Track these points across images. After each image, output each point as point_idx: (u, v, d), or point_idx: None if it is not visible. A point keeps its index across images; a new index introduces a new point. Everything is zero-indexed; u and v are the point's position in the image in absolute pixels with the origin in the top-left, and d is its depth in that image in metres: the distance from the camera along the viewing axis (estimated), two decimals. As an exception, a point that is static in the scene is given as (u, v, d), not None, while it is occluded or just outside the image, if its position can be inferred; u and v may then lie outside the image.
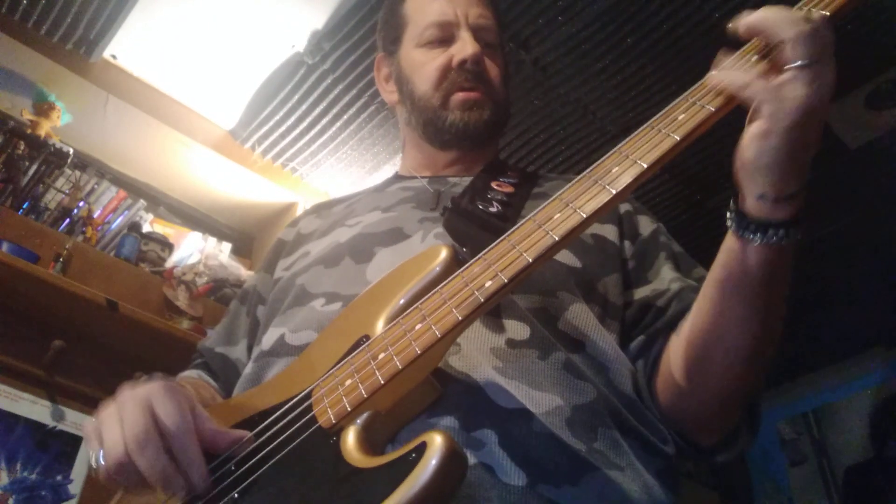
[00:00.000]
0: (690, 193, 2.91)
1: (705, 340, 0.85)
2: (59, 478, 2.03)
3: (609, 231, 1.05)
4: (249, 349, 1.13)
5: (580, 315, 0.92)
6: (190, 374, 1.15)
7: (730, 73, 0.75)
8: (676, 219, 2.99)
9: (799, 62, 0.70)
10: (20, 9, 2.41)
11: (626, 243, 1.05)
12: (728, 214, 0.79)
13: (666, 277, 1.00)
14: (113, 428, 0.77)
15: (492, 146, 1.24)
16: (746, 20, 0.75)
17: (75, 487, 2.04)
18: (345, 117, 2.69)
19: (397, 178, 1.27)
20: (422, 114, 1.17)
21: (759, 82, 0.72)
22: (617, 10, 2.28)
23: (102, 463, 0.77)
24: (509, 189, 1.10)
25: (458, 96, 1.14)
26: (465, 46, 1.15)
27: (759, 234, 0.75)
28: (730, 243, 0.79)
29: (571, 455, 0.78)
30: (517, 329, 0.87)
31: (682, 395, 0.89)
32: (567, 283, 0.94)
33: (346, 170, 2.94)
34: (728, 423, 0.91)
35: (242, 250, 3.11)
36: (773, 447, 3.46)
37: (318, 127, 2.74)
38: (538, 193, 1.11)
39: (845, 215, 2.98)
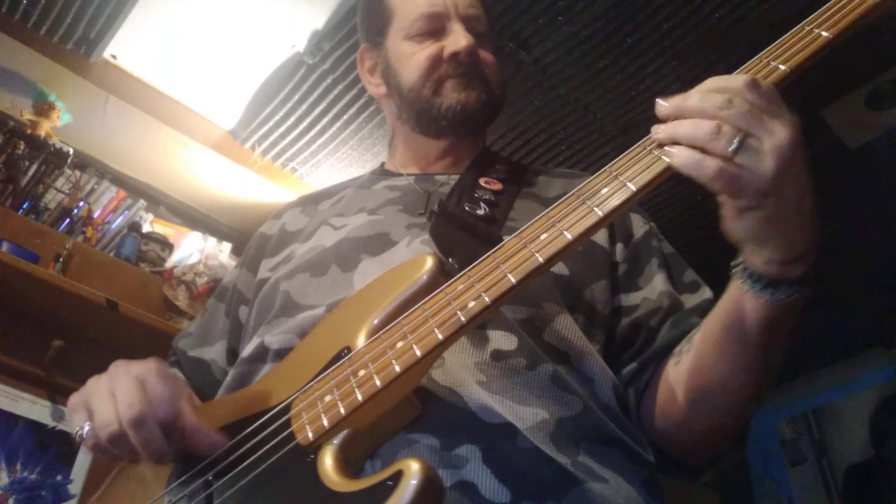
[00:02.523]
0: (690, 193, 2.91)
1: (708, 381, 0.85)
2: (59, 478, 2.03)
3: (598, 234, 1.02)
4: (230, 351, 1.11)
5: (566, 326, 0.91)
6: None
7: (687, 156, 0.69)
8: (676, 219, 2.99)
9: (730, 148, 0.66)
10: (20, 9, 2.41)
11: (619, 245, 1.03)
12: (735, 267, 0.77)
13: (657, 288, 0.99)
14: (106, 401, 0.77)
15: (480, 137, 1.22)
16: (663, 110, 0.72)
17: (75, 487, 2.04)
18: (345, 117, 2.69)
19: (384, 172, 1.23)
20: (413, 105, 1.13)
21: (706, 167, 0.67)
22: (617, 10, 2.28)
23: (90, 434, 0.78)
24: (497, 186, 1.07)
25: (451, 82, 1.11)
26: (457, 38, 1.11)
27: (768, 291, 0.74)
28: (736, 294, 0.78)
29: (556, 469, 0.77)
30: (503, 340, 0.86)
31: (679, 425, 0.89)
32: (553, 292, 0.93)
33: (346, 170, 2.94)
34: (719, 449, 0.91)
35: (242, 250, 3.11)
36: (773, 447, 3.46)
37: (318, 127, 2.74)
38: (526, 191, 1.10)
39: (845, 215, 2.98)
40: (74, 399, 0.82)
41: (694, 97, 0.70)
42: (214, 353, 1.12)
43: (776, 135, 0.67)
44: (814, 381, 3.45)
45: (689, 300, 0.99)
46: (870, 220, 2.98)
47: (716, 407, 0.86)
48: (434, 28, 1.13)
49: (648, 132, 0.74)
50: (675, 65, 2.44)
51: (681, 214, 3.00)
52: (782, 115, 0.68)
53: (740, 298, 0.78)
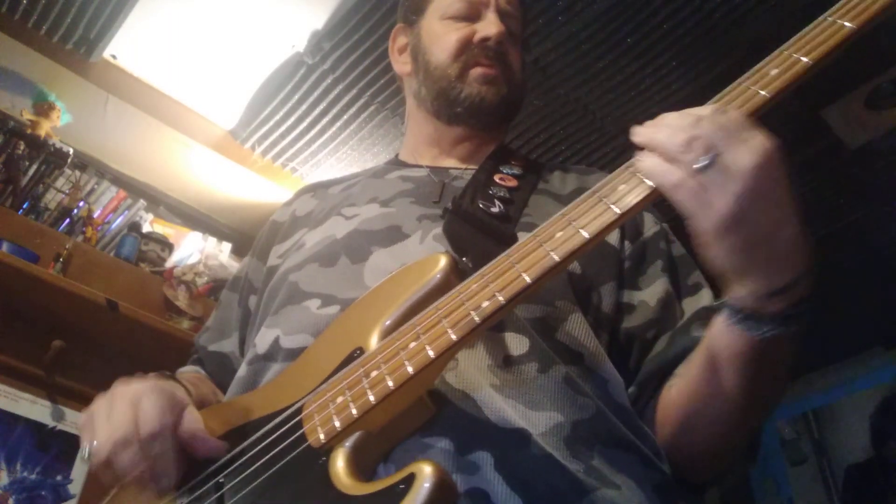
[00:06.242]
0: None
1: (691, 407, 0.85)
2: (59, 478, 2.03)
3: (611, 234, 1.00)
4: (242, 342, 1.11)
5: (578, 326, 0.90)
6: (188, 368, 1.15)
7: (653, 163, 0.69)
8: (677, 219, 2.99)
9: (698, 164, 0.66)
10: (20, 9, 2.41)
11: (626, 244, 1.02)
12: (718, 298, 0.76)
13: (656, 294, 0.97)
14: (103, 425, 0.78)
15: (498, 132, 1.21)
16: (637, 138, 0.72)
17: (75, 487, 2.04)
18: (345, 117, 2.69)
19: (398, 163, 1.22)
20: (435, 83, 1.14)
21: (668, 175, 0.68)
22: (617, 10, 2.28)
23: (91, 457, 0.78)
24: (512, 183, 1.06)
25: (477, 70, 1.12)
26: (489, 25, 1.13)
27: (746, 325, 0.72)
28: (719, 325, 0.77)
29: (569, 477, 0.76)
30: (515, 342, 0.85)
31: (670, 447, 0.89)
32: (566, 291, 0.92)
33: (346, 170, 2.94)
34: (718, 468, 0.91)
35: (242, 250, 3.11)
36: (773, 447, 3.46)
37: (318, 127, 2.74)
38: (542, 188, 1.09)
39: (845, 215, 2.98)
40: (83, 419, 0.83)
41: (669, 116, 0.70)
42: (231, 344, 1.13)
43: (742, 159, 0.66)
44: (814, 381, 3.45)
45: (689, 305, 0.98)
46: (870, 220, 2.98)
47: (701, 432, 0.85)
48: (470, 13, 1.15)
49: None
50: (675, 65, 2.44)
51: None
52: (751, 139, 0.67)
53: (722, 330, 0.76)
